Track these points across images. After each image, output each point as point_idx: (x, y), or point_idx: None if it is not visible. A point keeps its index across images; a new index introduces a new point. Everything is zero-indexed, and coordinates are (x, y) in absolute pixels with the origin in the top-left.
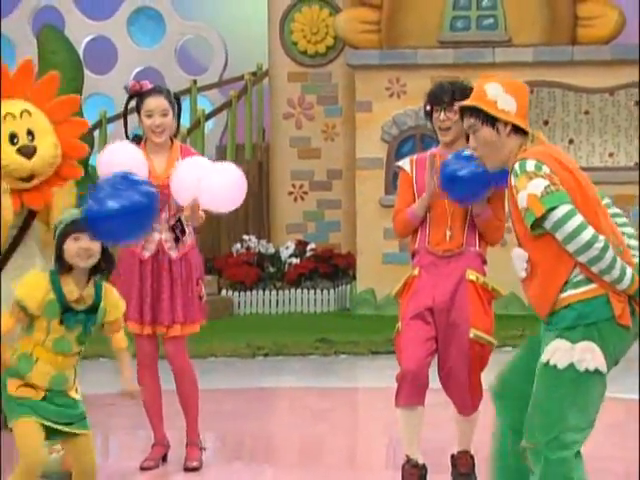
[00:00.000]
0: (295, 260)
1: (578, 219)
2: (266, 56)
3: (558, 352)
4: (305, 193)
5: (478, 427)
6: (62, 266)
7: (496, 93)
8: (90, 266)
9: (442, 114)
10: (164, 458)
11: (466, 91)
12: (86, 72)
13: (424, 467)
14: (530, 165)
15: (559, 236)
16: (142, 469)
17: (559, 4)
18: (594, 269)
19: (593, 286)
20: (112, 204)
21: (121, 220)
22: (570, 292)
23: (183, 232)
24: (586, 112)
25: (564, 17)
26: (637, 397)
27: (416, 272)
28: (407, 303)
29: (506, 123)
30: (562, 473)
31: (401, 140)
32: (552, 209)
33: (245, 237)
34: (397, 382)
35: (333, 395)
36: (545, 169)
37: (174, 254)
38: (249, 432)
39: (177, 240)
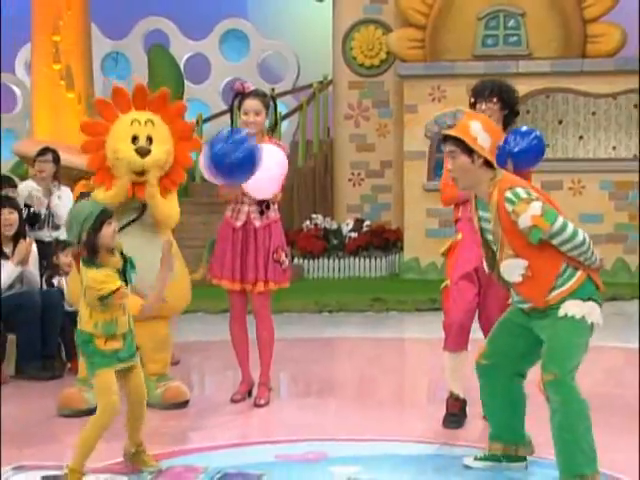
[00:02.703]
0: (354, 234)
1: (571, 225)
2: (331, 68)
3: (574, 307)
4: (362, 180)
5: None
6: (96, 253)
7: (477, 130)
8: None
9: (484, 105)
10: (249, 393)
11: (503, 87)
12: (186, 82)
13: (464, 401)
14: (522, 192)
15: (557, 240)
16: (232, 401)
17: (572, 24)
18: (581, 259)
19: (579, 273)
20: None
21: (240, 166)
22: (562, 288)
23: (268, 207)
24: (593, 113)
25: (576, 35)
26: (634, 346)
27: (460, 237)
28: (455, 263)
29: (479, 156)
30: (578, 395)
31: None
32: (551, 222)
33: (313, 215)
34: (445, 330)
35: (384, 344)
36: (533, 193)
37: (258, 224)
38: (316, 373)
39: (262, 213)
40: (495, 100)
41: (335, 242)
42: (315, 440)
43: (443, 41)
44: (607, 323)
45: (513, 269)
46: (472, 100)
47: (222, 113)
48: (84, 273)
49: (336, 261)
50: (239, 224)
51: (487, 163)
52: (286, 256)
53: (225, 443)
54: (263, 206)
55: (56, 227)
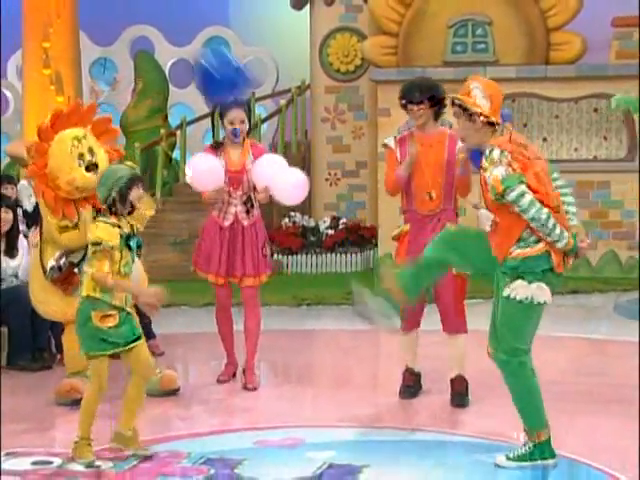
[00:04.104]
0: (330, 231)
1: (528, 198)
2: (308, 74)
3: (519, 289)
4: (338, 179)
5: (469, 362)
6: (126, 208)
7: (476, 93)
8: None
9: (415, 107)
10: (234, 374)
11: (430, 88)
12: (171, 87)
13: (419, 374)
14: (496, 154)
15: (516, 209)
16: (218, 382)
17: (536, 33)
18: (540, 233)
19: (540, 245)
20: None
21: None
22: (523, 250)
23: (252, 206)
24: (556, 117)
25: (540, 43)
26: (596, 337)
27: (407, 228)
28: (406, 252)
29: (479, 116)
30: (525, 371)
31: None
32: (508, 188)
33: (292, 213)
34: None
35: (360, 336)
36: (506, 156)
37: (246, 223)
38: (294, 363)
39: (248, 212)
40: (425, 102)
41: (313, 239)
42: (293, 427)
43: (415, 48)
44: (569, 315)
45: (483, 218)
46: (403, 101)
47: (205, 116)
48: (94, 223)
49: (314, 257)
50: (227, 224)
51: (490, 122)
52: (270, 249)
53: (207, 430)
54: (249, 205)
55: None
